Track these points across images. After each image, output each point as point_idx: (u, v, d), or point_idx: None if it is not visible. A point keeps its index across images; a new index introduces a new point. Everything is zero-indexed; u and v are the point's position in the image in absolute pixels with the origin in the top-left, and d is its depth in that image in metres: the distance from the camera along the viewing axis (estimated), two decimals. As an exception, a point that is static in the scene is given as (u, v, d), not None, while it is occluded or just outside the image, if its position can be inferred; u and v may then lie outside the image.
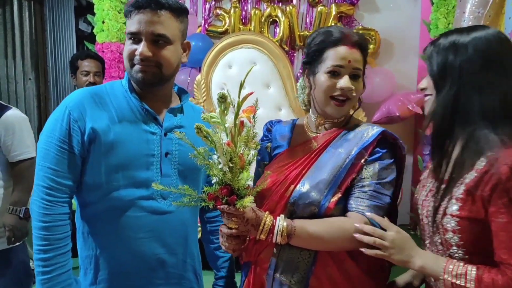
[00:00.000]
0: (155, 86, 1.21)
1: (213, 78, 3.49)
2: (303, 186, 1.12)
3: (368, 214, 1.08)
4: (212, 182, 1.05)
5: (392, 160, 1.15)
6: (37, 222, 1.13)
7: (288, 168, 1.17)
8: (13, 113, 1.85)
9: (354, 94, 1.16)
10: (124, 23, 3.52)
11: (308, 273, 1.12)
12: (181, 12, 1.20)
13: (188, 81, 3.59)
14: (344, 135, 1.19)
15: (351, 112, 1.24)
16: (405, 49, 3.90)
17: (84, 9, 5.81)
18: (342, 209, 1.12)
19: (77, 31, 5.49)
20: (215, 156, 1.03)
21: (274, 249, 1.14)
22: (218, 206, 1.03)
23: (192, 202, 1.06)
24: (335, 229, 1.08)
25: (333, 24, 3.75)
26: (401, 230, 1.05)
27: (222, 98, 1.01)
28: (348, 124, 1.23)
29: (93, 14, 5.90)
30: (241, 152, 1.03)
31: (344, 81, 1.14)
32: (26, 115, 4.58)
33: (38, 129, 4.66)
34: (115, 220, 1.18)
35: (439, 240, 1.02)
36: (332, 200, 1.09)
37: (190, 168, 1.23)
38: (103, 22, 3.49)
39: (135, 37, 1.16)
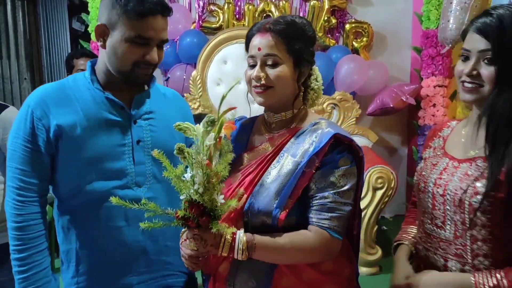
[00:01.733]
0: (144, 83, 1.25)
1: (209, 73, 3.52)
2: (255, 196, 1.06)
3: None
4: (180, 197, 0.99)
5: (350, 165, 1.06)
6: (11, 223, 1.14)
7: (243, 174, 1.12)
8: (11, 111, 1.86)
9: (273, 81, 1.07)
10: (119, 21, 3.53)
11: (266, 284, 1.09)
12: (170, 13, 1.21)
13: (184, 77, 3.62)
14: (298, 137, 1.11)
15: (302, 107, 1.16)
16: (398, 42, 3.93)
17: (77, 8, 5.80)
18: (295, 220, 1.06)
19: (70, 30, 5.49)
20: (189, 174, 0.97)
21: (233, 261, 1.09)
22: (190, 227, 0.98)
23: (161, 223, 0.99)
24: (297, 245, 1.03)
25: (325, 18, 3.78)
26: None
27: (211, 123, 0.96)
28: (303, 122, 1.15)
29: (87, 13, 5.93)
30: (218, 171, 0.97)
31: (254, 72, 1.08)
32: (22, 115, 4.60)
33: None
34: (93, 212, 1.17)
35: (461, 220, 1.01)
36: (282, 212, 1.03)
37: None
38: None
39: (146, 42, 1.14)
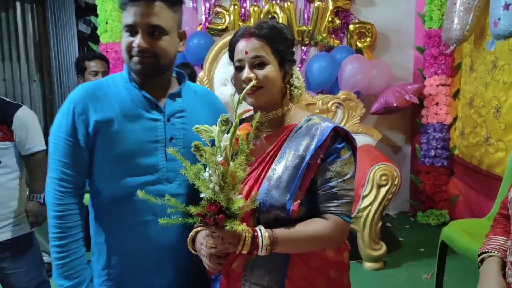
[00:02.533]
0: (154, 76, 1.22)
1: (215, 74, 3.58)
2: (265, 192, 1.10)
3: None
4: (201, 196, 1.02)
5: (350, 153, 1.14)
6: (52, 212, 1.20)
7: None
8: (25, 111, 1.95)
9: (263, 81, 1.12)
10: (127, 24, 3.61)
11: (282, 276, 1.13)
12: (175, 3, 1.20)
13: (191, 78, 3.69)
14: (296, 133, 1.16)
15: (290, 105, 1.22)
16: (401, 41, 3.99)
17: (83, 10, 5.89)
18: (305, 210, 1.11)
19: (77, 32, 5.57)
20: (207, 173, 1.00)
21: (247, 257, 1.11)
22: (208, 223, 1.01)
23: (180, 219, 1.01)
24: (315, 233, 1.08)
25: (330, 19, 3.84)
26: None
27: (225, 122, 1.00)
28: (295, 119, 1.20)
29: (92, 15, 6.00)
30: (234, 171, 1.00)
31: (244, 73, 1.13)
32: (33, 116, 4.69)
33: (44, 129, 4.73)
34: (124, 205, 1.21)
35: None
36: (295, 202, 1.08)
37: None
38: (107, 23, 3.57)
39: (132, 29, 1.16)
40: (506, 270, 1.08)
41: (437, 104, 3.74)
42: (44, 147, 1.99)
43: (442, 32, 3.43)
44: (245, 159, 1.03)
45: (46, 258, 2.92)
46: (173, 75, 1.33)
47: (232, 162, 1.01)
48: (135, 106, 1.21)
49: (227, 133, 1.02)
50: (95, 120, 1.18)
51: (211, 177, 0.98)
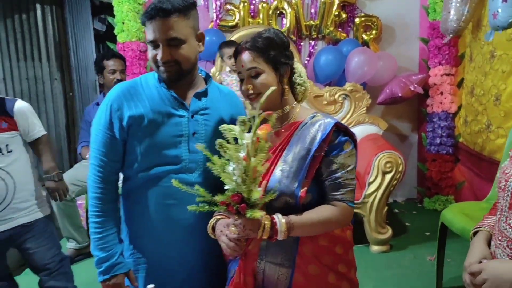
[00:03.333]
0: (179, 80, 1.36)
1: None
2: (275, 181, 1.23)
3: None
4: (225, 187, 1.14)
5: (352, 146, 1.28)
6: (91, 193, 1.39)
7: None
8: (21, 103, 2.12)
9: (259, 89, 1.26)
10: (143, 23, 3.78)
11: (294, 253, 1.26)
12: (188, 10, 1.30)
13: (204, 73, 3.85)
14: (302, 128, 1.29)
15: (295, 103, 1.35)
16: (406, 33, 4.09)
17: (98, 8, 6.08)
18: (311, 196, 1.25)
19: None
20: (231, 167, 1.12)
21: (262, 240, 1.24)
22: (231, 212, 1.13)
23: (206, 207, 1.15)
24: (325, 218, 1.23)
25: (336, 13, 3.96)
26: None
27: (243, 123, 1.14)
28: (300, 116, 1.34)
29: (106, 13, 6.19)
30: (255, 166, 1.12)
31: (244, 85, 1.30)
32: (54, 113, 4.97)
33: (67, 126, 4.97)
34: (150, 190, 1.37)
35: None
36: (302, 189, 1.21)
37: (215, 145, 1.36)
38: (123, 23, 3.74)
39: (154, 44, 1.30)
40: (491, 241, 1.18)
41: (441, 93, 3.85)
42: (45, 132, 2.19)
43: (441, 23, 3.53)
44: (265, 156, 1.16)
45: (73, 245, 3.15)
46: (201, 74, 1.48)
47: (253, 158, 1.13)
48: (164, 103, 1.37)
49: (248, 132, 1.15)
50: (129, 116, 1.34)
51: (234, 171, 1.11)
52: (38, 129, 2.17)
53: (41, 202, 2.16)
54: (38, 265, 2.10)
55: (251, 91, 1.29)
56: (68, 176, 3.03)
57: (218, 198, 1.13)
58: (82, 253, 3.18)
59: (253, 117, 1.14)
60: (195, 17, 1.35)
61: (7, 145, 2.00)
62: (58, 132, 4.95)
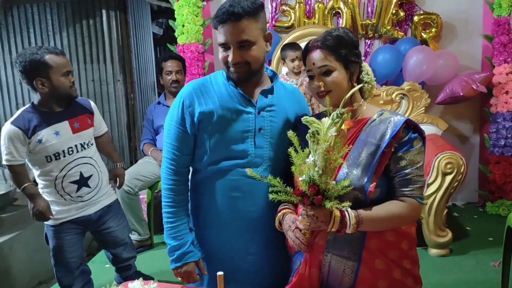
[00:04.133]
0: (249, 79, 1.42)
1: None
2: (345, 175, 1.25)
3: None
4: (300, 179, 1.16)
5: (421, 143, 1.29)
6: (164, 185, 1.48)
7: None
8: (93, 102, 2.39)
9: (330, 86, 1.30)
10: (201, 25, 3.92)
11: (360, 247, 1.27)
12: (257, 12, 1.34)
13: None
14: (371, 124, 1.31)
15: (361, 101, 1.38)
16: (468, 30, 3.92)
17: (155, 13, 6.36)
18: (379, 192, 1.26)
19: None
20: (310, 159, 1.15)
21: (330, 232, 1.25)
22: (305, 203, 1.17)
23: (284, 196, 1.19)
24: (394, 213, 1.24)
25: (394, 11, 3.89)
26: None
27: (341, 115, 1.16)
28: (367, 113, 1.36)
29: (164, 17, 6.44)
30: (335, 158, 1.16)
31: (314, 82, 1.33)
32: (117, 113, 5.26)
33: (127, 125, 5.24)
34: (217, 183, 1.44)
35: None
36: (371, 185, 1.22)
37: (280, 141, 1.44)
38: (183, 25, 3.89)
39: (225, 46, 1.36)
40: None
41: (507, 92, 3.67)
42: (106, 130, 2.47)
43: (511, 19, 3.36)
44: (346, 149, 1.20)
45: (135, 237, 3.33)
46: (267, 72, 1.53)
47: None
48: (232, 101, 1.43)
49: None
50: (199, 112, 1.42)
51: (316, 162, 1.14)
52: (104, 125, 2.44)
53: (111, 187, 2.44)
54: (118, 240, 2.40)
55: (322, 89, 1.32)
56: (132, 171, 3.20)
57: (303, 185, 1.15)
58: (143, 245, 3.35)
59: (341, 112, 1.17)
60: (263, 18, 1.40)
61: (90, 139, 2.27)
62: (120, 131, 5.22)
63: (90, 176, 2.21)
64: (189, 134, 1.45)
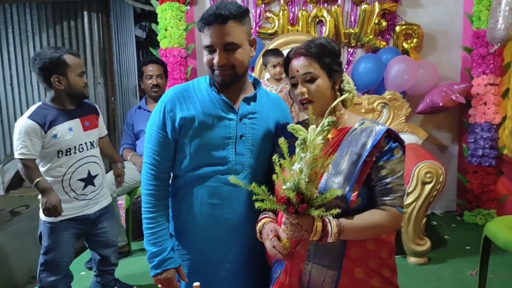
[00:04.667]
0: (233, 84, 1.40)
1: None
2: (327, 184, 1.23)
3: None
4: (284, 187, 1.14)
5: (402, 152, 1.29)
6: (145, 190, 1.45)
7: None
8: (95, 105, 2.48)
9: (314, 94, 1.29)
10: (184, 30, 3.89)
11: (341, 256, 1.26)
12: (243, 16, 1.35)
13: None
14: (352, 133, 1.30)
15: (343, 110, 1.36)
16: (448, 42, 4.00)
17: (139, 16, 6.30)
18: (361, 200, 1.25)
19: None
20: (296, 166, 1.13)
21: (311, 241, 1.24)
22: (290, 212, 1.14)
23: (269, 204, 1.16)
24: (375, 222, 1.23)
25: (376, 21, 3.93)
26: None
27: (332, 122, 1.16)
28: (349, 122, 1.35)
29: (147, 21, 6.38)
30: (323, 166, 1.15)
31: (298, 89, 1.32)
32: (97, 115, 5.09)
33: (108, 128, 5.15)
34: (197, 189, 1.42)
35: None
36: (353, 194, 1.22)
37: (261, 148, 1.43)
38: (166, 29, 3.86)
39: (210, 48, 1.35)
40: None
41: (485, 103, 3.74)
42: (106, 133, 2.55)
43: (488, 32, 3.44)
44: (333, 157, 1.21)
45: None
46: (250, 80, 1.52)
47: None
48: (214, 106, 1.41)
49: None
50: (181, 117, 1.39)
51: (302, 169, 1.13)
52: (105, 127, 2.52)
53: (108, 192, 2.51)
54: (110, 241, 2.47)
55: (306, 96, 1.31)
56: (111, 176, 3.14)
57: (284, 192, 1.13)
58: (121, 252, 3.27)
59: (333, 120, 1.17)
60: (249, 23, 1.40)
61: (96, 139, 2.36)
62: (99, 135, 5.12)
63: (96, 175, 2.31)
64: (170, 139, 1.42)
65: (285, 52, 3.71)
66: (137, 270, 3.02)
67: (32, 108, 2.18)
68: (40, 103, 2.23)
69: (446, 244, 3.46)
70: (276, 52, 3.26)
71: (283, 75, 3.19)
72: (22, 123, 2.10)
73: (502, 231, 2.26)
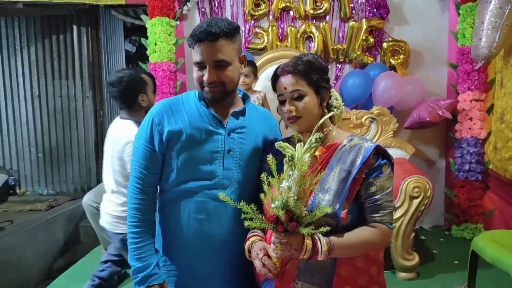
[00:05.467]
0: (222, 100, 1.40)
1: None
2: (316, 202, 1.22)
3: None
4: (273, 206, 1.12)
5: (390, 169, 1.29)
6: (130, 204, 1.42)
7: None
8: None
9: (301, 112, 1.29)
10: (174, 44, 3.90)
11: (331, 274, 1.25)
12: (233, 34, 1.35)
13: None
14: (341, 150, 1.30)
15: (331, 126, 1.36)
16: (434, 58, 4.08)
17: (129, 30, 6.31)
18: (351, 218, 1.25)
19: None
20: (285, 184, 1.12)
21: (301, 259, 1.23)
22: (279, 231, 1.13)
23: (258, 223, 1.15)
24: (365, 239, 1.23)
25: (364, 37, 4.00)
26: None
27: (320, 139, 1.17)
28: (337, 139, 1.35)
29: (137, 35, 6.39)
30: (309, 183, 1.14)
31: (285, 107, 1.32)
32: (85, 129, 5.11)
33: (95, 143, 5.09)
34: (183, 204, 1.40)
35: None
36: (343, 211, 1.21)
37: (249, 163, 1.42)
38: (155, 44, 3.87)
39: (200, 65, 1.35)
40: None
41: (470, 119, 3.80)
42: None
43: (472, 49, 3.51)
44: (322, 175, 1.20)
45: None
46: (239, 94, 1.51)
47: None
48: (202, 120, 1.41)
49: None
50: (168, 130, 1.39)
51: (291, 187, 1.12)
52: None
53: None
54: None
55: (294, 113, 1.30)
56: (100, 188, 3.12)
57: (272, 210, 1.12)
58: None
59: (320, 137, 1.17)
60: (239, 40, 1.40)
61: None
62: (87, 148, 5.09)
63: None
64: (157, 153, 1.41)
65: (273, 67, 3.76)
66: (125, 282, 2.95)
67: (136, 127, 2.12)
68: (131, 120, 2.29)
69: (435, 258, 3.47)
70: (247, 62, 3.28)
71: (248, 87, 3.16)
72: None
73: (490, 246, 2.27)
